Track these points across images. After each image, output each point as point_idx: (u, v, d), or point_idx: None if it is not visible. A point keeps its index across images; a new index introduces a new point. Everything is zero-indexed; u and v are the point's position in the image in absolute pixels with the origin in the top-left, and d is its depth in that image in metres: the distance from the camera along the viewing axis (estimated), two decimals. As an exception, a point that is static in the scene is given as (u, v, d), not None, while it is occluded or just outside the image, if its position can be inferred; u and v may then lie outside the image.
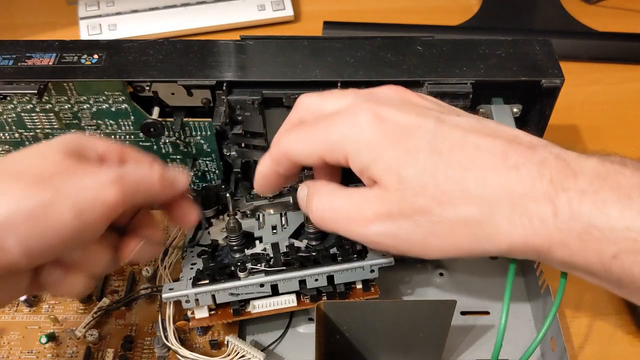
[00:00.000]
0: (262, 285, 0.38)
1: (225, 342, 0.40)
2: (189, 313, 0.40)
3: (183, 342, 0.41)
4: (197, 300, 0.38)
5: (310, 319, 0.43)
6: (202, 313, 0.39)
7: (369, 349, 0.40)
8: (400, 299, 0.45)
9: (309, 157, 0.33)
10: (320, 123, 0.33)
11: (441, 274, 0.46)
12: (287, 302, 0.39)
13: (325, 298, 0.39)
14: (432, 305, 0.37)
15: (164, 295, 0.38)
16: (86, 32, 0.65)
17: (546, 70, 0.41)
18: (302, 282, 0.39)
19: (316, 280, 0.38)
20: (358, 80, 0.41)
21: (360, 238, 0.32)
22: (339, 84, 0.40)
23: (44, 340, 0.41)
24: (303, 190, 0.35)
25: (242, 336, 0.42)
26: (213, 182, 0.48)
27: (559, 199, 0.28)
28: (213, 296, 0.38)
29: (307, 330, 0.43)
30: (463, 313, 0.44)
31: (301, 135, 0.33)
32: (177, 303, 0.39)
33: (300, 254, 0.39)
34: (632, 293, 0.29)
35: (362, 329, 0.38)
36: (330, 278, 0.39)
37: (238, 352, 0.40)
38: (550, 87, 0.41)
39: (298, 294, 0.40)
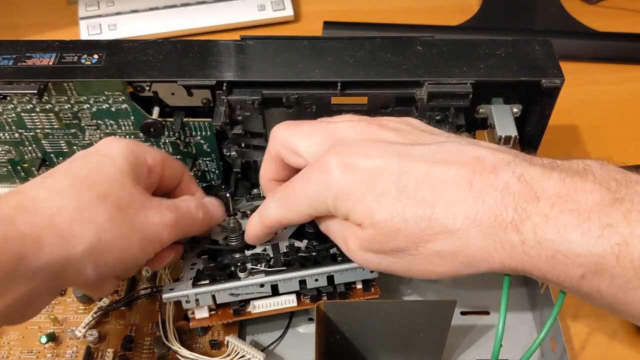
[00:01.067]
0: (262, 285, 0.38)
1: (225, 342, 0.40)
2: (189, 313, 0.40)
3: (183, 342, 0.41)
4: (197, 300, 0.38)
5: (310, 319, 0.43)
6: (202, 313, 0.39)
7: (369, 349, 0.40)
8: (400, 299, 0.45)
9: (300, 219, 0.36)
10: (297, 183, 0.35)
11: (441, 274, 0.46)
12: (287, 302, 0.39)
13: (326, 298, 0.39)
14: (432, 305, 0.37)
15: (164, 296, 0.38)
16: (86, 32, 0.65)
17: (546, 70, 0.41)
18: (302, 283, 0.39)
19: (316, 280, 0.38)
20: (358, 80, 0.41)
21: (352, 259, 0.35)
22: (339, 84, 0.40)
23: (43, 340, 0.41)
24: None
25: (242, 336, 0.42)
26: (213, 182, 0.48)
27: (524, 226, 0.29)
28: (213, 296, 0.38)
29: (307, 330, 0.43)
30: (463, 313, 0.44)
31: (285, 203, 0.36)
32: (178, 303, 0.39)
33: (300, 254, 0.39)
34: (603, 306, 0.30)
35: (362, 329, 0.38)
36: (330, 278, 0.39)
37: (238, 352, 0.40)
38: (550, 87, 0.41)
39: (298, 294, 0.40)
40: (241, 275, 0.38)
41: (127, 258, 0.34)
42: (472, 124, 0.43)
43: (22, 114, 0.43)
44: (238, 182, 0.47)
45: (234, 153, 0.45)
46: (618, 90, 0.62)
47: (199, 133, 0.44)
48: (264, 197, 0.45)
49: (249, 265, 0.39)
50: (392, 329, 0.38)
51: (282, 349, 0.42)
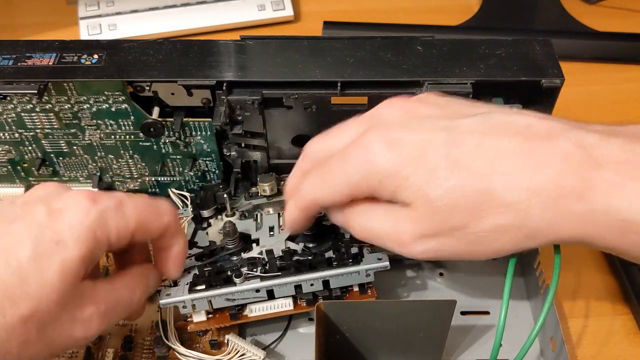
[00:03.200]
0: (257, 290, 0.38)
1: (226, 341, 0.40)
2: (187, 317, 0.40)
3: (183, 342, 0.41)
4: (194, 305, 0.38)
5: (310, 319, 0.43)
6: (199, 317, 0.39)
7: (369, 349, 0.40)
8: (400, 299, 0.45)
9: (338, 201, 0.33)
10: (336, 164, 0.33)
11: (441, 274, 0.46)
12: (284, 305, 0.39)
13: (321, 300, 0.39)
14: (432, 305, 0.37)
15: (161, 302, 0.38)
16: (86, 32, 0.65)
17: (546, 70, 0.41)
18: (298, 287, 0.39)
19: (312, 285, 0.38)
20: (358, 80, 0.41)
21: (407, 256, 0.33)
22: (339, 84, 0.40)
23: (44, 340, 0.41)
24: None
25: (242, 336, 0.42)
26: (213, 182, 0.48)
27: (589, 195, 0.28)
28: (210, 301, 0.38)
29: (307, 330, 0.43)
30: (463, 313, 0.44)
31: (320, 181, 0.34)
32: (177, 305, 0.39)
33: (295, 258, 0.39)
34: None
35: (362, 329, 0.38)
36: (325, 282, 0.39)
37: (238, 351, 0.40)
38: (550, 87, 0.41)
39: (294, 297, 0.40)
40: (237, 280, 0.38)
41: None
42: (472, 124, 0.43)
43: (22, 114, 0.43)
44: (238, 182, 0.47)
45: (234, 153, 0.45)
46: (618, 90, 0.62)
47: (199, 133, 0.44)
48: (262, 197, 0.45)
49: (244, 270, 0.39)
50: (392, 329, 0.38)
51: (282, 348, 0.42)
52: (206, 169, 0.47)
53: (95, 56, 0.42)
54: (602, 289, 0.46)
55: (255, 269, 0.39)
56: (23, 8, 0.71)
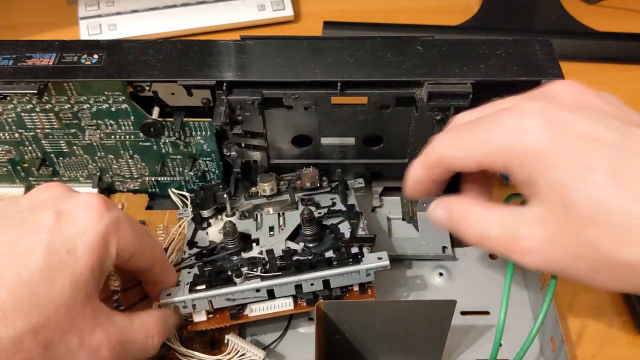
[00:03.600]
0: (258, 290, 0.38)
1: (226, 341, 0.40)
2: (187, 317, 0.40)
3: (183, 342, 0.41)
4: (194, 305, 0.38)
5: (310, 319, 0.43)
6: (200, 317, 0.39)
7: (369, 349, 0.40)
8: (400, 299, 0.45)
9: (467, 164, 0.30)
10: (482, 124, 0.29)
11: (441, 274, 0.46)
12: (284, 305, 0.39)
13: (322, 299, 0.39)
14: (432, 305, 0.37)
15: (161, 301, 0.38)
16: (86, 32, 0.65)
17: (546, 70, 0.41)
18: (298, 287, 0.39)
19: (312, 284, 0.38)
20: (358, 80, 0.41)
21: (522, 266, 0.29)
22: (339, 84, 0.40)
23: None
24: (440, 210, 0.33)
25: (242, 335, 0.42)
26: (213, 182, 0.48)
27: None
28: (210, 301, 0.38)
29: (307, 330, 0.43)
30: (463, 313, 0.44)
31: (459, 139, 0.30)
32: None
33: (296, 258, 0.39)
34: None
35: (362, 329, 0.38)
36: (326, 282, 0.39)
37: (238, 351, 0.40)
38: (550, 87, 0.41)
39: (295, 297, 0.40)
40: (237, 280, 0.38)
41: None
42: (472, 124, 0.43)
43: (22, 114, 0.43)
44: (238, 182, 0.47)
45: (234, 153, 0.45)
46: (618, 90, 0.61)
47: (199, 133, 0.44)
48: (262, 197, 0.45)
49: (244, 270, 0.39)
50: (392, 329, 0.38)
51: (282, 348, 0.42)
52: (206, 169, 0.47)
53: (95, 56, 0.42)
54: (601, 288, 0.46)
55: (255, 269, 0.39)
56: (23, 8, 0.71)
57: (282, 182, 0.46)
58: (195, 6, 0.67)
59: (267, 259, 0.39)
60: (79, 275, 0.29)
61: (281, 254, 0.39)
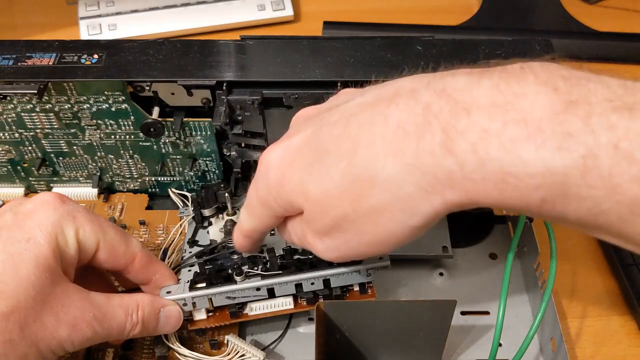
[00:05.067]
0: (258, 289, 0.38)
1: (225, 342, 0.40)
2: (187, 316, 0.40)
3: (183, 342, 0.41)
4: (194, 303, 0.38)
5: (310, 319, 0.43)
6: (200, 315, 0.39)
7: (369, 349, 0.40)
8: (400, 299, 0.45)
9: (265, 225, 0.33)
10: (251, 189, 0.32)
11: (441, 274, 0.46)
12: (284, 304, 0.39)
13: (322, 299, 0.39)
14: (432, 305, 0.37)
15: (162, 294, 0.38)
16: (86, 32, 0.65)
17: (546, 70, 0.41)
18: (299, 286, 0.39)
19: (312, 283, 0.38)
20: (358, 80, 0.41)
21: (321, 257, 0.32)
22: (339, 84, 0.40)
23: (44, 340, 0.41)
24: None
25: (242, 336, 0.42)
26: (213, 182, 0.48)
27: (457, 146, 0.24)
28: (210, 299, 0.38)
29: (307, 330, 0.43)
30: (463, 313, 0.44)
31: (248, 210, 0.34)
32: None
33: (296, 257, 0.39)
34: (573, 228, 0.25)
35: (362, 329, 0.38)
36: (326, 281, 0.39)
37: (238, 352, 0.40)
38: (550, 87, 0.40)
39: (295, 296, 0.40)
40: (237, 279, 0.38)
41: None
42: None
43: (22, 114, 0.43)
44: (238, 181, 0.47)
45: (234, 153, 0.45)
46: (618, 90, 0.62)
47: (199, 133, 0.44)
48: None
49: (245, 269, 0.39)
50: (392, 329, 0.38)
51: (282, 348, 0.42)
52: (206, 169, 0.47)
53: (95, 56, 0.42)
54: (601, 288, 0.46)
55: (256, 267, 0.39)
56: (23, 8, 0.71)
57: None
58: (195, 6, 0.67)
59: (267, 258, 0.39)
60: (43, 259, 0.31)
61: (282, 252, 0.39)
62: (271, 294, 0.39)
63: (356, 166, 0.26)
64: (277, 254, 0.39)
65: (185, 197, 0.47)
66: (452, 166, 0.24)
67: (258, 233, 0.35)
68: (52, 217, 0.33)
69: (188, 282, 0.39)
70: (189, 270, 0.40)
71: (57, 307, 0.31)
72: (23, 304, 0.30)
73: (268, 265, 0.39)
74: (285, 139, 0.31)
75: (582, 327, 0.44)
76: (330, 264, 0.39)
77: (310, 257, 0.39)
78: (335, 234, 0.29)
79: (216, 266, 0.40)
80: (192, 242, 0.43)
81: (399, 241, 0.28)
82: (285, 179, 0.29)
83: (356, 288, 0.40)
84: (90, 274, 0.38)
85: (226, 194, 0.43)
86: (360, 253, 0.30)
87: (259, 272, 0.39)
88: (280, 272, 0.38)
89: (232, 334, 0.41)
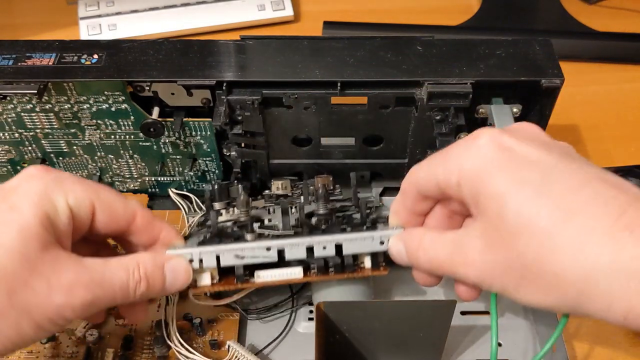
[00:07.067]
0: (268, 249, 0.37)
1: (227, 347, 0.40)
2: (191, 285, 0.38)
3: (183, 342, 0.41)
4: (201, 260, 0.37)
5: (310, 319, 0.43)
6: (204, 280, 0.38)
7: (369, 349, 0.40)
8: (400, 299, 0.45)
9: (428, 183, 0.33)
10: (443, 150, 0.32)
11: (441, 274, 0.46)
12: (293, 274, 0.38)
13: (333, 272, 0.38)
14: (432, 305, 0.37)
15: (168, 252, 0.36)
16: (86, 32, 0.65)
17: (546, 70, 0.41)
18: (310, 251, 0.37)
19: (324, 248, 0.37)
20: (358, 80, 0.41)
21: (464, 279, 0.32)
22: (338, 84, 0.40)
23: (43, 340, 0.41)
24: (398, 244, 0.36)
25: (242, 334, 0.42)
26: (213, 182, 0.48)
27: None
28: (218, 257, 0.37)
29: (307, 330, 0.43)
30: (463, 313, 0.44)
31: (427, 162, 0.33)
32: (178, 303, 0.39)
33: (309, 223, 0.38)
34: None
35: (362, 329, 0.38)
36: (338, 249, 0.37)
37: (239, 358, 0.40)
38: (550, 87, 0.41)
39: (305, 268, 0.38)
40: (248, 237, 0.37)
41: (19, 342, 0.30)
42: (472, 124, 0.43)
43: (22, 114, 0.43)
44: (238, 182, 0.47)
45: (234, 153, 0.45)
46: (618, 90, 0.62)
47: (199, 133, 0.44)
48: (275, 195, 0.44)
49: (256, 227, 0.37)
50: (392, 329, 0.38)
51: (282, 348, 0.42)
52: (206, 169, 0.47)
53: (95, 56, 0.42)
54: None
55: (267, 231, 0.38)
56: (23, 8, 0.71)
57: (294, 189, 0.45)
58: (195, 6, 0.67)
59: (281, 218, 0.38)
60: (26, 226, 0.30)
61: (296, 217, 0.38)
62: (281, 256, 0.37)
63: (568, 229, 0.27)
64: (290, 215, 0.38)
65: (188, 197, 0.47)
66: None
67: (415, 194, 0.35)
68: (37, 187, 0.32)
69: (197, 244, 0.37)
70: (197, 244, 0.38)
71: (47, 273, 0.30)
72: (8, 269, 0.29)
73: (280, 227, 0.38)
74: (509, 136, 0.30)
75: (582, 327, 0.44)
76: (343, 230, 0.38)
77: (323, 227, 0.39)
78: (498, 259, 0.29)
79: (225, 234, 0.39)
80: (202, 224, 0.42)
81: (549, 308, 0.29)
82: (491, 174, 0.29)
83: (368, 264, 0.38)
84: (92, 251, 0.37)
85: (240, 186, 0.42)
86: (506, 291, 0.30)
87: (270, 231, 0.37)
88: (292, 232, 0.37)
89: (233, 340, 0.40)
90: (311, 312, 0.44)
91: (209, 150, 0.45)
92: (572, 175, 0.28)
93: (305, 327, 0.43)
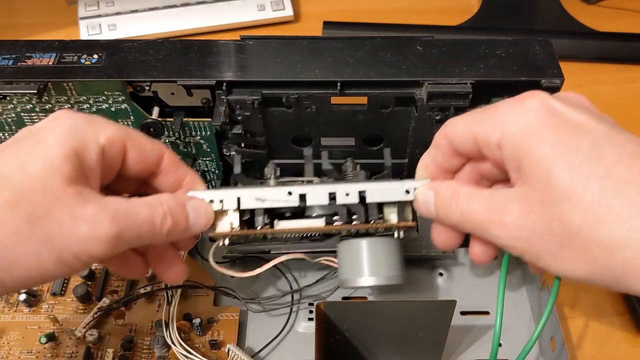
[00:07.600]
0: (290, 193, 0.35)
1: (226, 350, 0.40)
2: (209, 233, 0.36)
3: (183, 342, 0.41)
4: (221, 201, 0.35)
5: (310, 319, 0.43)
6: (224, 226, 0.36)
7: (369, 349, 0.40)
8: (400, 299, 0.45)
9: (464, 138, 0.31)
10: (485, 107, 0.31)
11: (441, 274, 0.46)
12: (314, 223, 0.37)
13: (357, 223, 0.36)
14: (432, 305, 0.37)
15: (189, 193, 0.35)
16: (86, 32, 0.65)
17: (546, 70, 0.41)
18: (332, 198, 0.36)
19: (347, 194, 0.36)
20: (358, 80, 0.41)
21: (495, 240, 0.30)
22: (338, 84, 0.40)
23: (43, 340, 0.41)
24: (428, 192, 0.34)
25: (242, 334, 0.42)
26: (213, 182, 0.48)
27: None
28: (238, 199, 0.35)
29: (307, 330, 0.43)
30: (463, 313, 0.44)
31: (466, 116, 0.32)
32: (178, 303, 0.39)
33: (336, 171, 0.38)
34: None
35: (362, 329, 0.38)
36: (362, 198, 0.36)
37: None
38: (550, 87, 0.41)
39: (327, 219, 0.37)
40: (271, 182, 0.37)
41: (38, 276, 0.29)
42: (472, 124, 0.43)
43: (22, 114, 0.43)
44: (237, 182, 0.47)
45: (234, 153, 0.45)
46: (618, 90, 0.62)
47: (198, 133, 0.44)
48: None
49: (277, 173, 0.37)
50: (392, 329, 0.38)
51: (282, 348, 0.42)
52: (206, 169, 0.47)
53: (95, 56, 0.42)
54: (602, 289, 0.46)
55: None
56: (23, 8, 0.71)
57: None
58: (195, 6, 0.67)
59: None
60: (51, 159, 0.30)
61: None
62: (302, 201, 0.36)
63: (617, 198, 0.26)
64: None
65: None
66: None
67: (447, 148, 0.33)
68: (65, 124, 0.31)
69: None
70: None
71: (71, 205, 0.29)
72: (30, 196, 0.28)
73: (302, 173, 0.37)
74: (559, 102, 0.29)
75: (582, 327, 0.44)
76: (366, 179, 0.37)
77: (350, 176, 0.38)
78: (538, 226, 0.28)
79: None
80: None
81: (582, 278, 0.28)
82: (539, 134, 0.28)
83: (394, 220, 0.36)
84: None
85: (272, 163, 0.39)
86: (540, 260, 0.29)
87: (294, 178, 0.37)
88: (315, 179, 0.37)
89: (233, 344, 0.40)
90: (311, 312, 0.44)
91: (209, 150, 0.45)
92: (623, 145, 0.27)
93: (305, 327, 0.43)
